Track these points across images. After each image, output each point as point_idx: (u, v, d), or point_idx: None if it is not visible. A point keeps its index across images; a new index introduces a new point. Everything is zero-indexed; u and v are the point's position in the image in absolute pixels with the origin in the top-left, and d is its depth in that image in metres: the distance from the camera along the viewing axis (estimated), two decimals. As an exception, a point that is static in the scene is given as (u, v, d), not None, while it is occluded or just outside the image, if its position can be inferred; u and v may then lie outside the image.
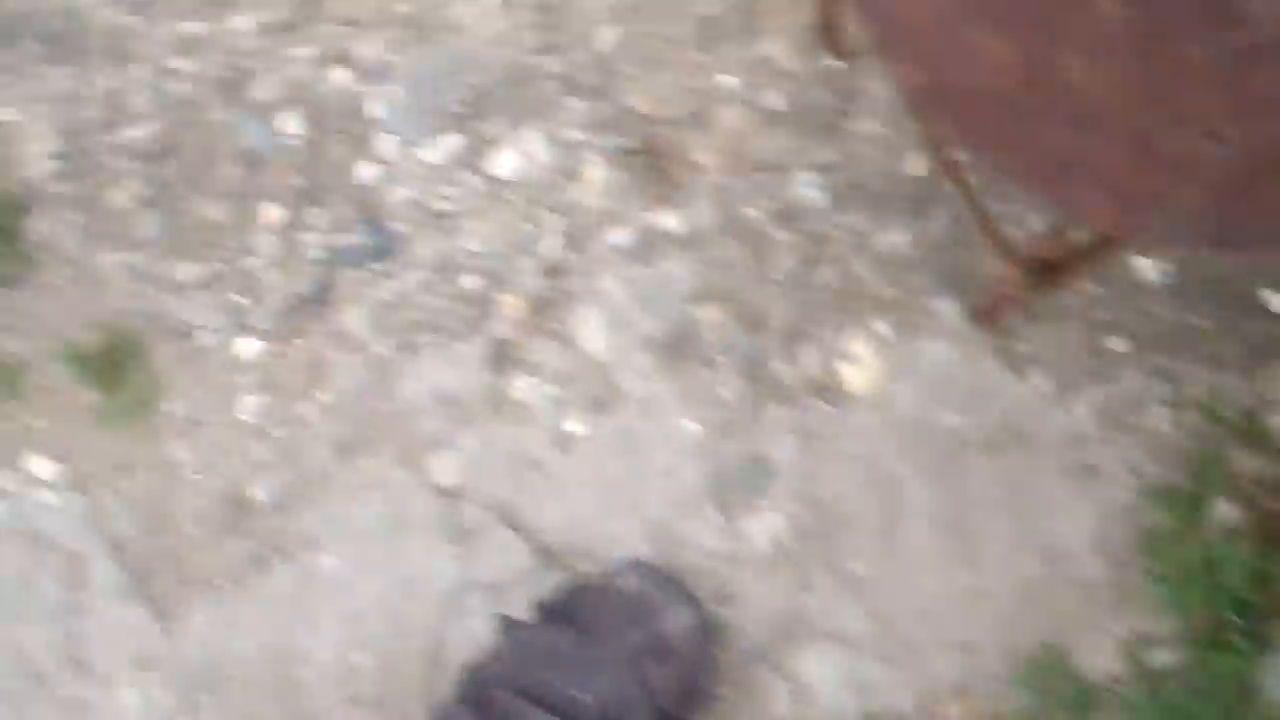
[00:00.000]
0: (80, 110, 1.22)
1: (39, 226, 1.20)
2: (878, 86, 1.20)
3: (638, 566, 1.09)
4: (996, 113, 0.81)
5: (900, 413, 1.17)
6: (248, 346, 1.19)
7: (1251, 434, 1.17)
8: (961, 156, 1.03)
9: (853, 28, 1.19)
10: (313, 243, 1.20)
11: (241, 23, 1.22)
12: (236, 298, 1.20)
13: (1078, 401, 1.17)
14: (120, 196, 1.21)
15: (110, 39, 1.23)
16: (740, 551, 1.15)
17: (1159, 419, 1.18)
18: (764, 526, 1.16)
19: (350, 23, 1.22)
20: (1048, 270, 1.05)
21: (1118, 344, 1.19)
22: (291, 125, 1.21)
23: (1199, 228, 0.82)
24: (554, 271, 1.19)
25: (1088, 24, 0.80)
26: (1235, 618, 1.15)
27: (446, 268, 1.20)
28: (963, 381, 1.18)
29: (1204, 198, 0.81)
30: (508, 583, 1.13)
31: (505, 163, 1.20)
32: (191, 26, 1.22)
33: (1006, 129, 0.81)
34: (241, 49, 1.22)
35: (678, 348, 1.18)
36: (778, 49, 1.22)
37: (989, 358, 1.18)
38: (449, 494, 1.16)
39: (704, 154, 1.21)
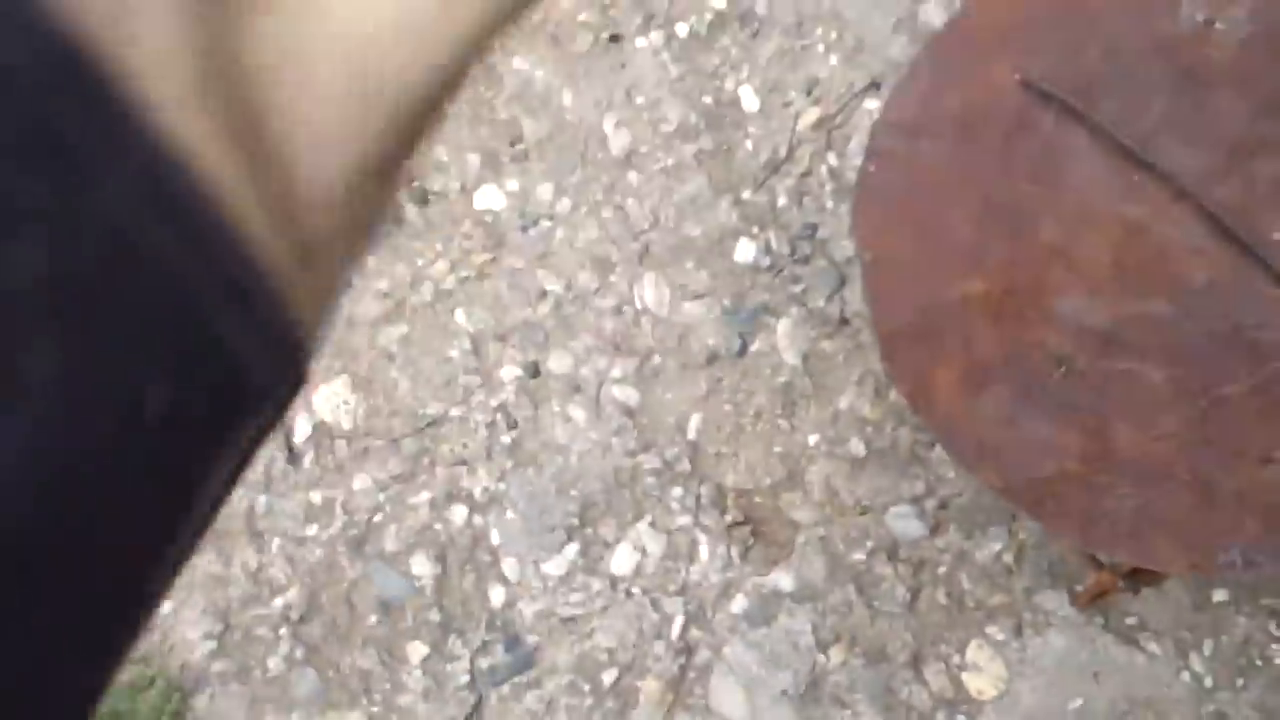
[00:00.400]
0: (227, 590, 1.33)
1: (203, 704, 1.28)
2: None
3: None
4: (1066, 493, 0.86)
5: (1028, 707, 1.19)
6: (413, 790, 1.24)
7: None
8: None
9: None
10: (458, 670, 1.27)
11: (362, 482, 1.34)
12: (397, 742, 1.25)
13: (1194, 658, 1.18)
14: (274, 662, 1.30)
15: (245, 519, 1.35)
16: None
17: (1276, 654, 1.18)
18: None
19: (460, 462, 1.33)
20: (1136, 573, 1.08)
21: (1221, 594, 1.20)
22: (421, 567, 1.30)
23: (1267, 549, 0.85)
24: (684, 650, 1.24)
25: (1135, 393, 0.86)
26: None
27: (584, 668, 1.25)
28: (1081, 665, 1.19)
29: (1267, 520, 0.85)
30: None
31: (622, 560, 1.27)
32: (317, 495, 1.34)
33: (1078, 504, 0.86)
34: (365, 506, 1.33)
35: (812, 695, 1.21)
36: (850, 399, 1.29)
37: (1101, 636, 1.20)
38: None
39: (801, 511, 1.27)
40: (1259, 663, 1.19)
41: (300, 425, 1.33)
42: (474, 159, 1.43)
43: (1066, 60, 1.02)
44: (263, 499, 1.34)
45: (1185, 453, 0.87)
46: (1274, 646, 1.20)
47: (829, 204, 1.39)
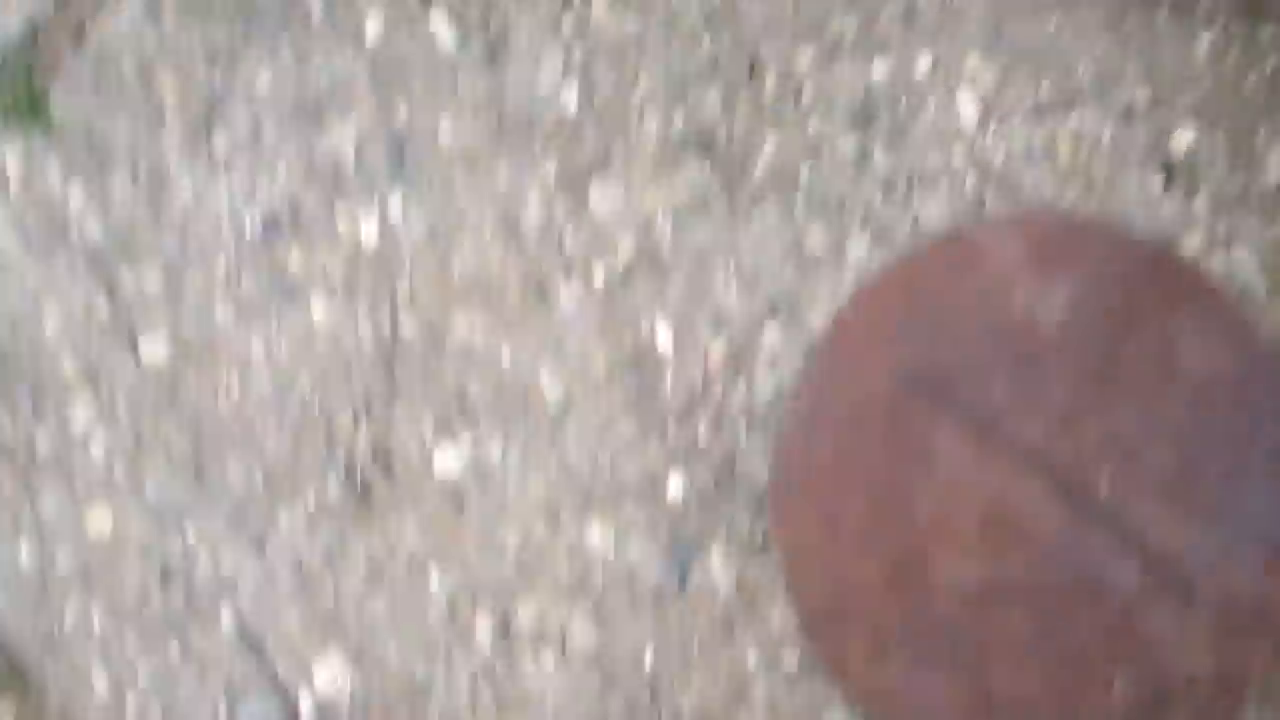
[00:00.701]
0: None
1: None
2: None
3: None
4: None
5: None
6: None
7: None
8: None
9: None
10: None
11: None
12: None
13: None
14: None
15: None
16: None
17: None
18: None
19: None
20: None
21: None
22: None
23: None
24: None
25: (1007, 644, 1.08)
26: None
27: None
28: None
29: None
30: None
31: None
32: (324, 761, 1.50)
33: None
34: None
35: None
36: (779, 617, 1.49)
37: None
38: None
39: (751, 723, 1.45)
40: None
41: (305, 707, 1.50)
42: (429, 426, 1.62)
43: (928, 355, 1.25)
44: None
45: (1048, 689, 1.08)
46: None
47: (743, 435, 1.59)
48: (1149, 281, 1.26)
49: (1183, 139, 1.60)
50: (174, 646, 1.58)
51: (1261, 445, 1.20)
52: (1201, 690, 1.10)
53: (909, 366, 1.23)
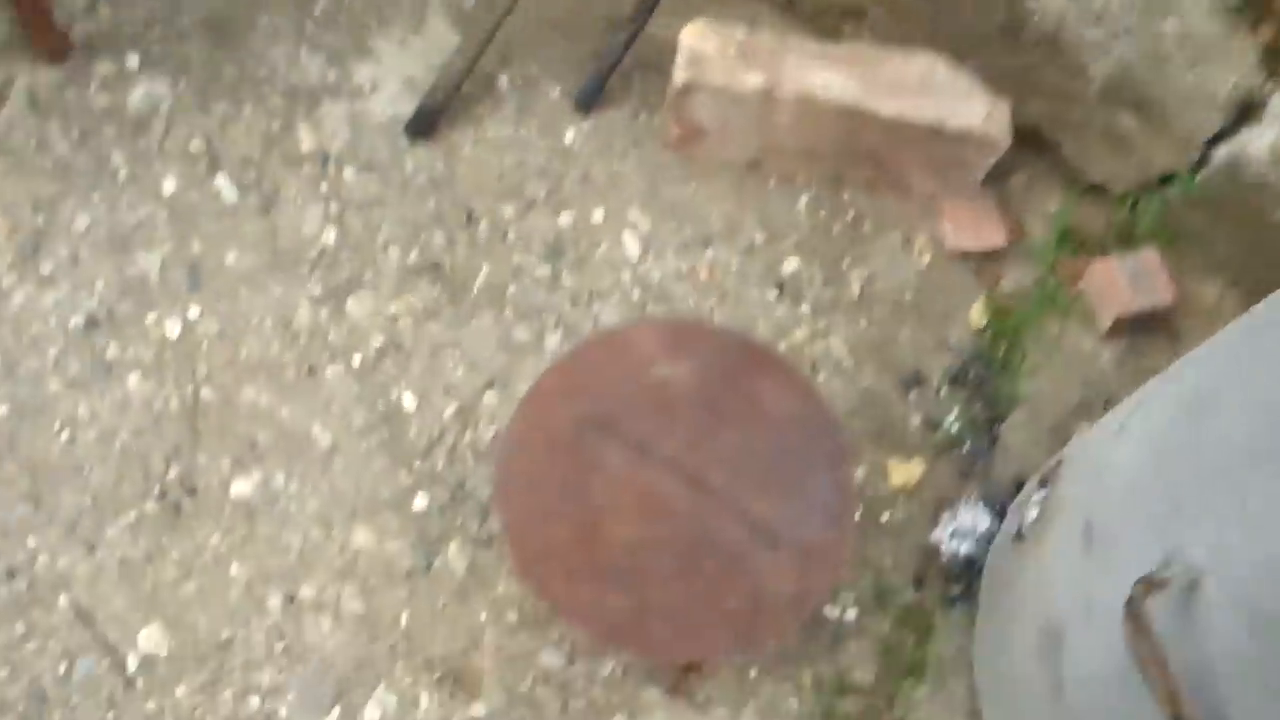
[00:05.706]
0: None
1: None
2: None
3: None
4: (629, 628, 1.71)
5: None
6: None
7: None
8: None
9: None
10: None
11: (181, 691, 1.96)
12: None
13: (744, 715, 1.99)
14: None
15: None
16: None
17: (793, 705, 2.01)
18: None
19: (251, 667, 1.98)
20: (688, 668, 1.94)
21: (754, 671, 2.00)
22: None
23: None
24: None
25: (657, 576, 1.74)
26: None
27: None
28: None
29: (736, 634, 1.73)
30: None
31: (371, 714, 1.97)
32: (152, 704, 1.95)
33: (633, 635, 1.72)
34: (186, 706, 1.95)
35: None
36: (504, 587, 2.04)
37: (685, 712, 1.96)
38: None
39: (486, 662, 1.99)
40: (784, 713, 2.01)
41: (131, 661, 1.97)
42: (226, 464, 2.11)
43: (598, 406, 1.87)
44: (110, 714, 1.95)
45: (685, 602, 1.72)
46: (790, 700, 2.03)
47: (471, 464, 2.15)
48: (741, 358, 1.93)
49: (789, 266, 2.32)
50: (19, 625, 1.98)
51: (816, 453, 1.89)
52: (785, 603, 1.79)
53: (585, 413, 1.86)
